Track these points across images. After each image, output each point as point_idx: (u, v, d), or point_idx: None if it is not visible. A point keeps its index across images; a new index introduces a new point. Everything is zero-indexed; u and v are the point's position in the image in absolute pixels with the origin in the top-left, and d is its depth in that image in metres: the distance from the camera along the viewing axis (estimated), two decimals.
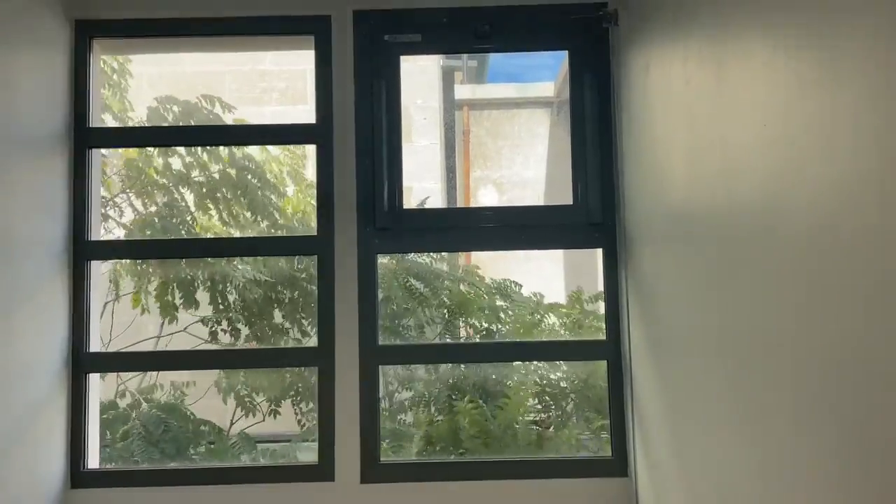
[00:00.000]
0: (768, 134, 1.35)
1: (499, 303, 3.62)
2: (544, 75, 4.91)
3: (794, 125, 1.25)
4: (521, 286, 3.69)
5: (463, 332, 3.56)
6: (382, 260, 3.41)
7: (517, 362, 3.45)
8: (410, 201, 4.00)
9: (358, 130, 2.56)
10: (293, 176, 3.95)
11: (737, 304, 1.53)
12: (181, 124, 3.66)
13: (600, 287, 2.64)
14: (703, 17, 1.71)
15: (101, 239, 2.90)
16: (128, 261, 3.54)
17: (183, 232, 3.61)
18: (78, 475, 2.46)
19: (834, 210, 1.12)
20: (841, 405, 1.12)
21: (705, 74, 1.69)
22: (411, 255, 3.63)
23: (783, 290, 1.31)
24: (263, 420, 3.57)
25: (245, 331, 3.55)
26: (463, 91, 5.06)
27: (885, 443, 1.00)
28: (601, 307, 3.52)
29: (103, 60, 3.45)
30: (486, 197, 4.84)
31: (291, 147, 3.94)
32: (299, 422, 3.56)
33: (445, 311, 3.55)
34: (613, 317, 2.53)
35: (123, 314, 3.62)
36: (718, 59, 1.61)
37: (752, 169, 1.42)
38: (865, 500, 1.07)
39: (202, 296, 3.54)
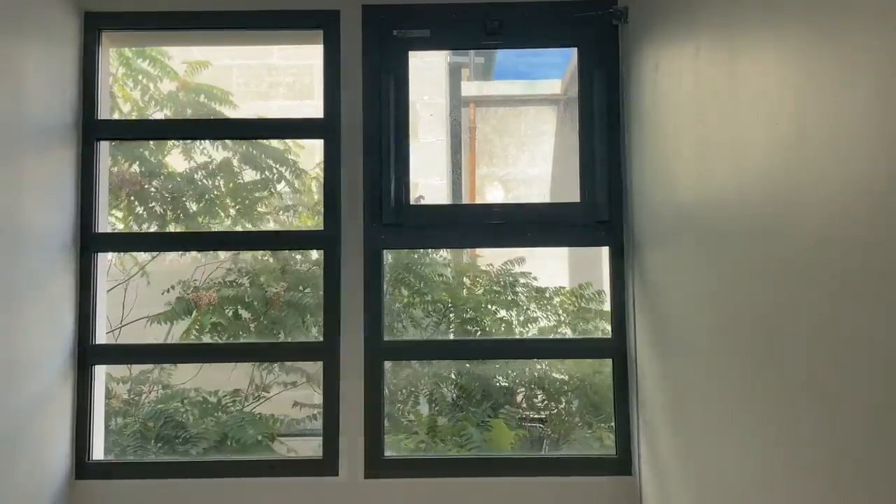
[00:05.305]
0: (780, 132, 1.34)
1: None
2: (551, 73, 4.89)
3: (807, 123, 1.24)
4: (523, 261, 3.71)
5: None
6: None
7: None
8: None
9: (365, 126, 2.55)
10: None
11: (745, 304, 1.52)
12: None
13: (605, 284, 2.63)
14: (714, 14, 1.70)
15: (108, 231, 2.90)
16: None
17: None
18: (83, 466, 2.47)
19: (846, 209, 1.12)
20: (849, 406, 1.11)
21: (716, 72, 1.68)
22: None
23: (793, 290, 1.30)
24: None
25: None
26: (470, 88, 5.04)
27: None
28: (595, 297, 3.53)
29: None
30: (491, 194, 4.82)
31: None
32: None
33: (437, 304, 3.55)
34: (619, 315, 2.53)
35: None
36: (729, 56, 1.60)
37: (763, 167, 1.41)
38: (872, 500, 1.06)
39: None
